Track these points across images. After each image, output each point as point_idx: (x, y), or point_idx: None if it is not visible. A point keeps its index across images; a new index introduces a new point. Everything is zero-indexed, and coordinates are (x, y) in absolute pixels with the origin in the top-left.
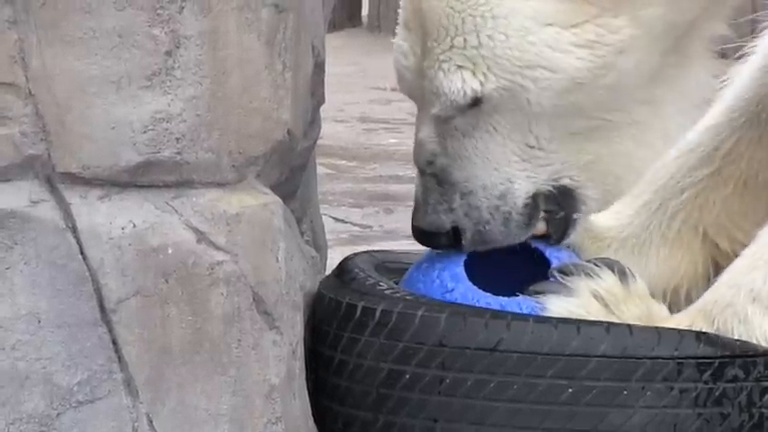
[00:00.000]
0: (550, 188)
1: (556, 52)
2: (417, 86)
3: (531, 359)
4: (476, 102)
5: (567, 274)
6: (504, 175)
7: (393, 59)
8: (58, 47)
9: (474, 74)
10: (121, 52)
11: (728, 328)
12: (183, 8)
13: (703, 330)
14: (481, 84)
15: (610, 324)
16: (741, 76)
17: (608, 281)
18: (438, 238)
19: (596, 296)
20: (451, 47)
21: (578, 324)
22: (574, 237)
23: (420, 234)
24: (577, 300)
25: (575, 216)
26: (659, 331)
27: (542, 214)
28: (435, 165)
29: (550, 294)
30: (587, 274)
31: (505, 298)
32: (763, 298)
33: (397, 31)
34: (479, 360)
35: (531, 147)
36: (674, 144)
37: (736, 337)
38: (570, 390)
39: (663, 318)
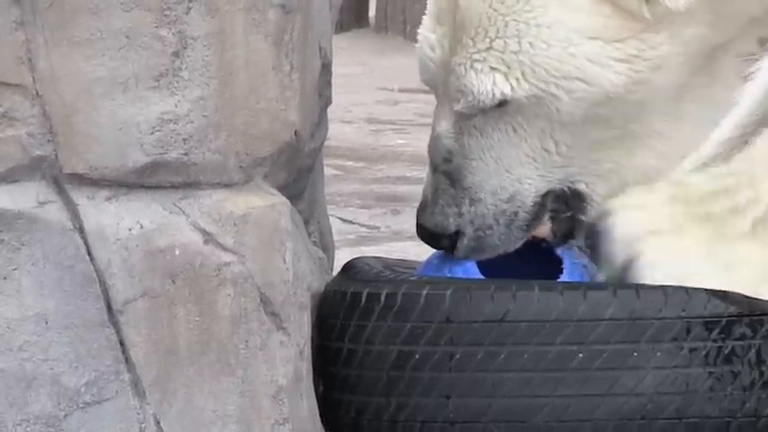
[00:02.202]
0: (563, 188)
1: (595, 66)
2: (441, 79)
3: (539, 327)
4: (502, 103)
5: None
6: (515, 177)
7: (417, 49)
8: (66, 48)
9: (506, 77)
10: (129, 53)
11: None
12: (190, 9)
13: None
14: (512, 88)
15: (616, 287)
16: (750, 94)
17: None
18: (441, 240)
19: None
20: (488, 48)
21: (585, 289)
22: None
23: (424, 233)
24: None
25: (581, 218)
26: (666, 292)
27: (548, 213)
28: (452, 163)
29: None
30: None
31: None
32: None
33: (424, 20)
34: (488, 332)
35: (548, 151)
36: (689, 155)
37: None
38: (581, 355)
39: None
